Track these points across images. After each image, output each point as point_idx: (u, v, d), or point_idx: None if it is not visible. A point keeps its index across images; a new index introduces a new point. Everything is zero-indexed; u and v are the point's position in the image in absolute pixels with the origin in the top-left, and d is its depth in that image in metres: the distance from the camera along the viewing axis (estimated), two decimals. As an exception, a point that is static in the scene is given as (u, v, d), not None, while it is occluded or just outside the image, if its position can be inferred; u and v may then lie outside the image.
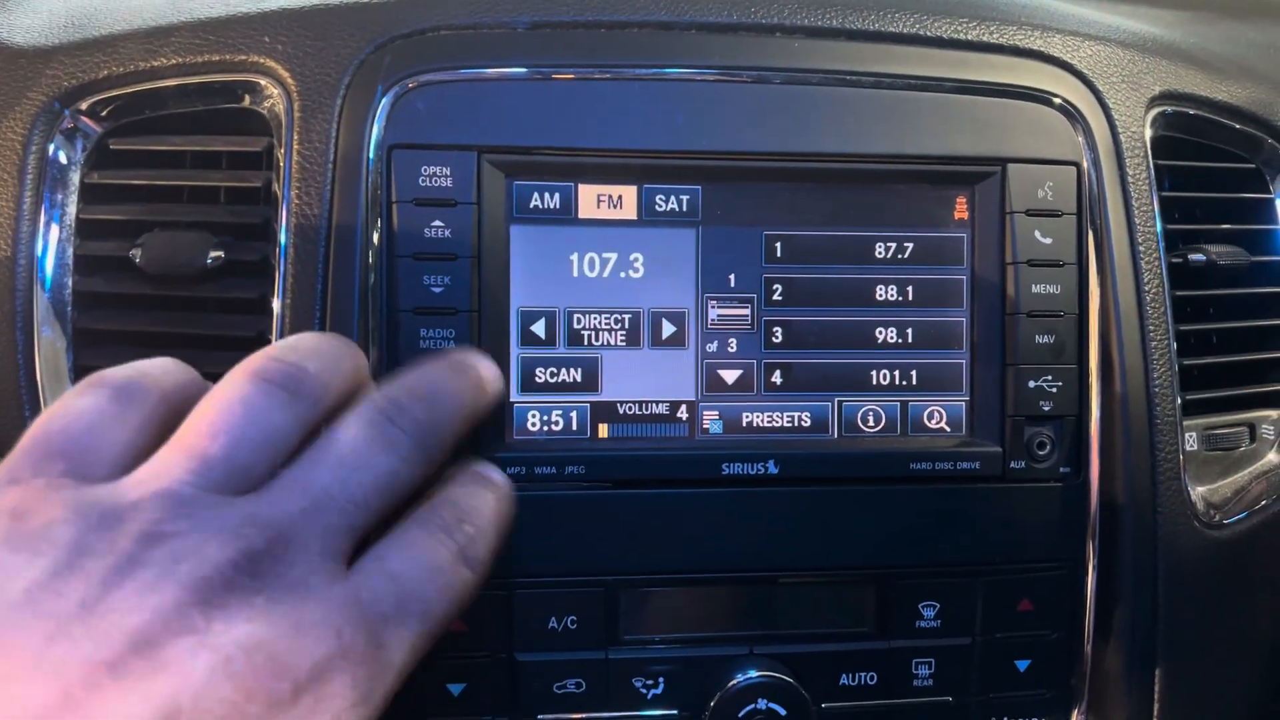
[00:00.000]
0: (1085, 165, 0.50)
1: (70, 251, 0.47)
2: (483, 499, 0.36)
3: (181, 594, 0.26)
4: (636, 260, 0.48)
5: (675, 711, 0.48)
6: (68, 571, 0.25)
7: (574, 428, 0.48)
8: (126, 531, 0.26)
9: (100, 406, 0.30)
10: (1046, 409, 0.49)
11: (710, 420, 0.49)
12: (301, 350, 0.33)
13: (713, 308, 0.48)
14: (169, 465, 0.29)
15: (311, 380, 0.32)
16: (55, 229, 0.47)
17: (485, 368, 0.40)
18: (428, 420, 0.34)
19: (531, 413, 0.47)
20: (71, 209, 0.48)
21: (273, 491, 0.29)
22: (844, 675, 0.49)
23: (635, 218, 0.48)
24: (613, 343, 0.48)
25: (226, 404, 0.30)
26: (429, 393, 0.35)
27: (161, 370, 0.33)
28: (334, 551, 0.29)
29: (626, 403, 0.48)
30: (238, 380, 0.31)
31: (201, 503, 0.28)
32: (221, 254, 0.46)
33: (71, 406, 0.30)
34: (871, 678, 0.49)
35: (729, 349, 0.48)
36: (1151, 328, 0.51)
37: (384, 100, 0.45)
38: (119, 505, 0.27)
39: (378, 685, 0.29)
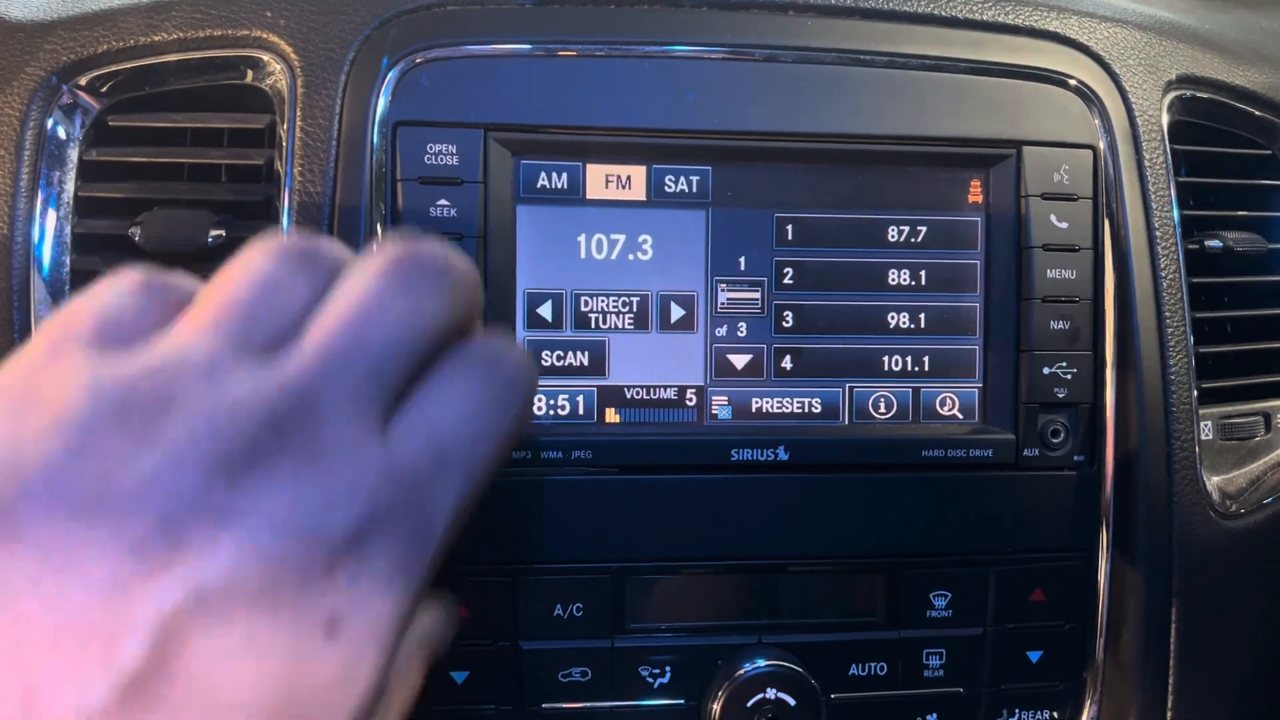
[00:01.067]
0: (1102, 149, 0.49)
1: (68, 230, 0.46)
2: (513, 350, 0.32)
3: (202, 470, 0.24)
4: (645, 242, 0.47)
5: (682, 701, 0.47)
6: (83, 450, 0.24)
7: (581, 412, 0.47)
8: (141, 406, 0.25)
9: (124, 291, 0.29)
10: (1061, 396, 0.48)
11: (719, 405, 0.48)
12: (314, 238, 0.31)
13: (722, 291, 0.47)
14: (184, 337, 0.27)
15: (327, 251, 0.30)
16: (53, 207, 0.46)
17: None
18: (445, 262, 0.31)
19: (538, 396, 0.46)
20: (70, 186, 0.47)
21: (290, 355, 0.27)
22: (854, 665, 0.48)
23: (644, 198, 0.47)
24: (620, 326, 0.47)
25: (241, 274, 0.28)
26: (441, 246, 0.32)
27: (172, 278, 0.31)
28: (363, 410, 0.27)
29: (634, 387, 0.47)
30: (250, 254, 0.29)
31: (220, 370, 0.26)
32: (222, 232, 0.45)
33: (100, 292, 0.28)
34: (881, 668, 0.48)
35: (739, 333, 0.48)
36: (1168, 314, 0.50)
37: (389, 76, 0.45)
38: (134, 377, 0.25)
39: (420, 552, 0.27)
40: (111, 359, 0.26)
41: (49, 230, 0.46)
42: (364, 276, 0.29)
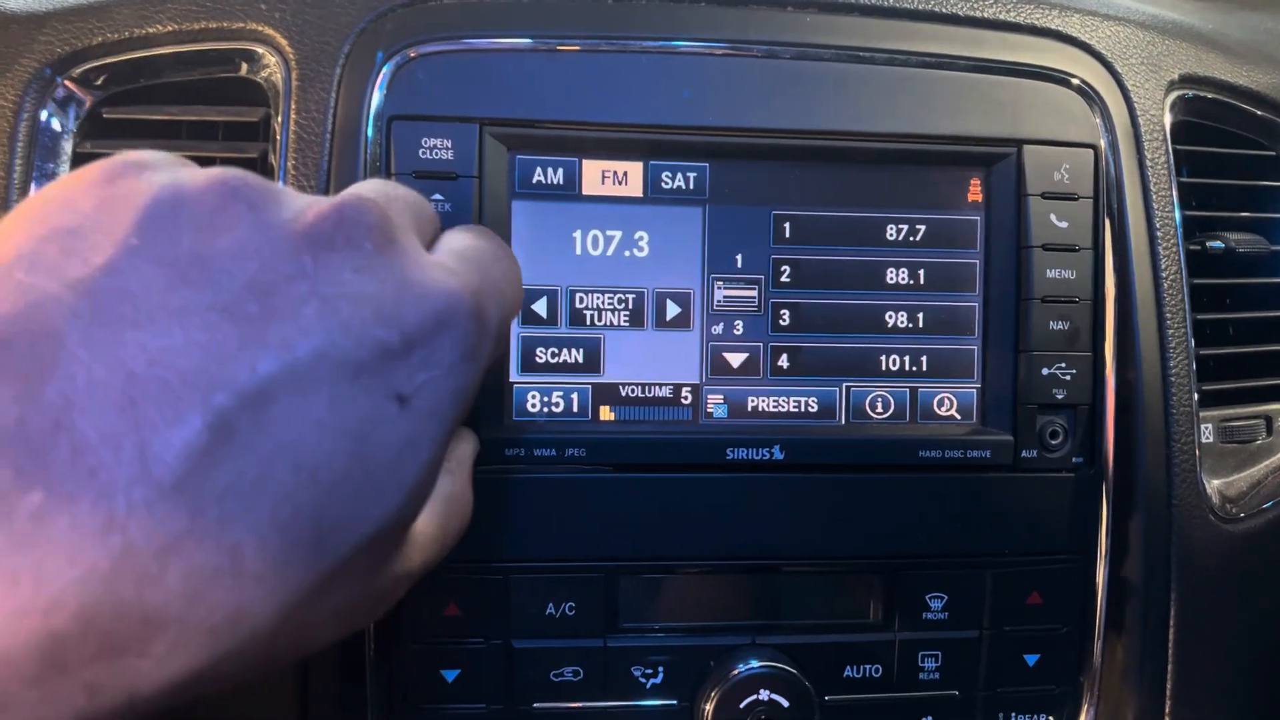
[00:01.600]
0: (1103, 148, 0.49)
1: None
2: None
3: (291, 240, 0.26)
4: (641, 239, 0.47)
5: (675, 701, 0.47)
6: (176, 217, 0.26)
7: (575, 409, 0.46)
8: (225, 184, 0.27)
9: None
10: (1060, 397, 0.48)
11: (715, 404, 0.47)
12: None
13: (719, 289, 0.47)
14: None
15: None
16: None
17: None
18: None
19: (531, 393, 0.46)
20: (63, 179, 0.46)
21: (344, 192, 0.31)
22: (848, 667, 0.48)
23: (640, 195, 0.47)
24: (616, 323, 0.46)
25: None
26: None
27: None
28: (416, 233, 0.31)
29: (629, 385, 0.47)
30: None
31: (292, 189, 0.31)
32: (216, 226, 0.45)
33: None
34: (876, 670, 0.48)
35: (735, 331, 0.47)
36: (1169, 316, 0.49)
37: (384, 70, 0.44)
38: (212, 169, 0.28)
39: (481, 347, 0.30)
40: (187, 163, 0.29)
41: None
42: (370, 180, 0.34)
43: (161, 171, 0.27)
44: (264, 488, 0.24)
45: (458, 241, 0.33)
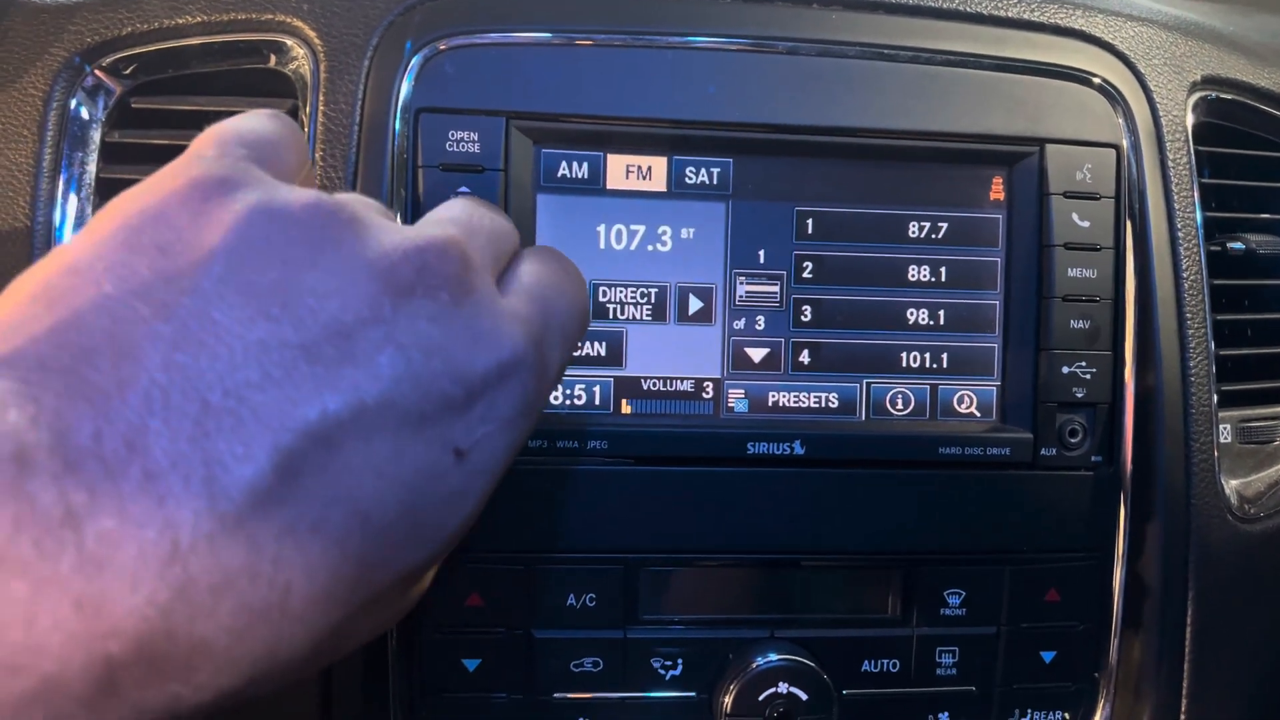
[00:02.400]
0: (1125, 148, 0.49)
1: (89, 211, 0.46)
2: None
3: (374, 282, 0.26)
4: (665, 233, 0.47)
5: (693, 693, 0.47)
6: (266, 247, 0.26)
7: (597, 402, 0.47)
8: (318, 214, 0.27)
9: (281, 128, 0.32)
10: (1080, 396, 0.48)
11: (736, 399, 0.48)
12: None
13: (741, 284, 0.47)
14: (343, 194, 0.30)
15: None
16: (74, 188, 0.46)
17: None
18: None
19: (554, 386, 0.46)
20: (91, 168, 0.47)
21: (428, 221, 0.31)
22: (866, 661, 0.48)
23: (664, 190, 0.47)
24: (638, 317, 0.47)
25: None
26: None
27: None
28: (491, 274, 0.31)
29: (651, 379, 0.47)
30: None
31: (383, 213, 0.30)
32: (243, 216, 0.45)
33: (254, 120, 0.31)
34: (894, 665, 0.48)
35: (756, 327, 0.47)
36: (1189, 316, 0.49)
37: (412, 62, 0.44)
38: (308, 194, 0.28)
39: (541, 395, 0.30)
40: (280, 183, 0.28)
41: (70, 213, 0.46)
42: (460, 200, 0.34)
43: (255, 191, 0.27)
44: (319, 531, 0.24)
45: (529, 274, 0.33)
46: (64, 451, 0.21)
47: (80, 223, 0.46)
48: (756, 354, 0.48)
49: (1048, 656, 0.49)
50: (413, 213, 0.44)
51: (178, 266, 0.24)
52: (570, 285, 0.34)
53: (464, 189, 0.44)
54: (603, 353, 0.46)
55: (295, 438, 0.23)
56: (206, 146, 0.29)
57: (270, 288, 0.25)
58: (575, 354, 0.46)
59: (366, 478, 0.25)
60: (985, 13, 0.50)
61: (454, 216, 0.32)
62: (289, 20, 0.46)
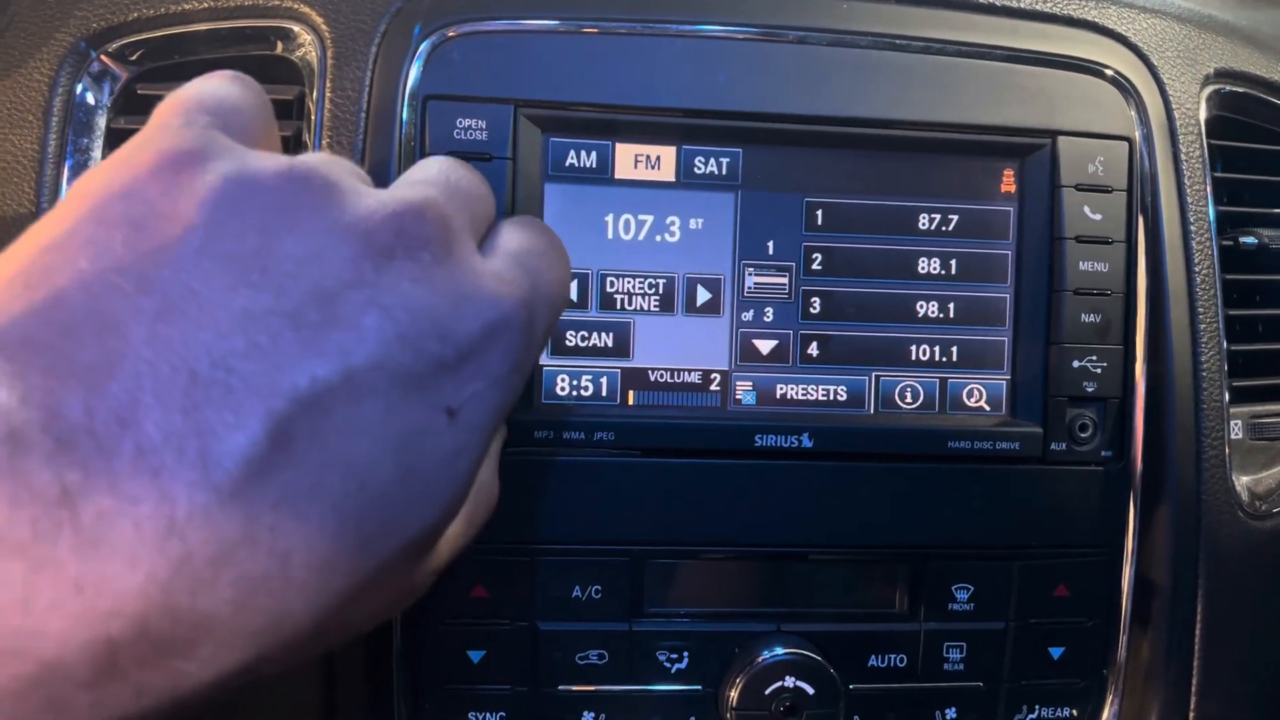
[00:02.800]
0: (1138, 141, 0.49)
1: (94, 197, 0.46)
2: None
3: (353, 245, 0.26)
4: (673, 224, 0.47)
5: (699, 687, 0.47)
6: (242, 213, 0.25)
7: (604, 393, 0.46)
8: (292, 180, 0.27)
9: (244, 91, 0.31)
10: (1090, 390, 0.47)
11: (743, 391, 0.47)
12: None
13: (749, 275, 0.47)
14: (313, 154, 0.30)
15: None
16: (80, 174, 0.46)
17: None
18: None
19: (561, 376, 0.46)
20: (97, 155, 0.47)
21: (404, 183, 0.31)
22: (873, 656, 0.48)
23: (673, 180, 0.46)
24: (646, 308, 0.46)
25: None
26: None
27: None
28: (471, 235, 0.31)
29: (658, 370, 0.47)
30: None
31: (360, 177, 0.30)
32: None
33: (216, 84, 0.31)
34: (901, 660, 0.48)
35: (765, 318, 0.47)
36: (1201, 311, 0.49)
37: (421, 49, 0.44)
38: (279, 159, 0.27)
39: (527, 358, 0.30)
40: (249, 150, 0.28)
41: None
42: (439, 159, 0.33)
43: (226, 160, 0.27)
44: (315, 496, 0.24)
45: (512, 240, 0.33)
46: (56, 429, 0.20)
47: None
48: (765, 346, 0.47)
49: (1056, 653, 0.49)
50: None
51: (153, 240, 0.24)
52: (553, 252, 0.34)
53: None
54: (610, 344, 0.46)
55: (286, 404, 0.23)
56: (171, 115, 0.29)
57: (249, 255, 0.25)
58: (582, 344, 0.46)
59: (360, 440, 0.25)
60: (998, 3, 0.49)
61: (430, 178, 0.31)
62: (296, 6, 0.46)
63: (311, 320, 0.24)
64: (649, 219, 0.46)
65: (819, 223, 0.47)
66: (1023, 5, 0.50)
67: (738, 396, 0.47)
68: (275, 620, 0.23)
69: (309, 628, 0.24)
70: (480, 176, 0.34)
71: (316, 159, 0.29)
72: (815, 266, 0.47)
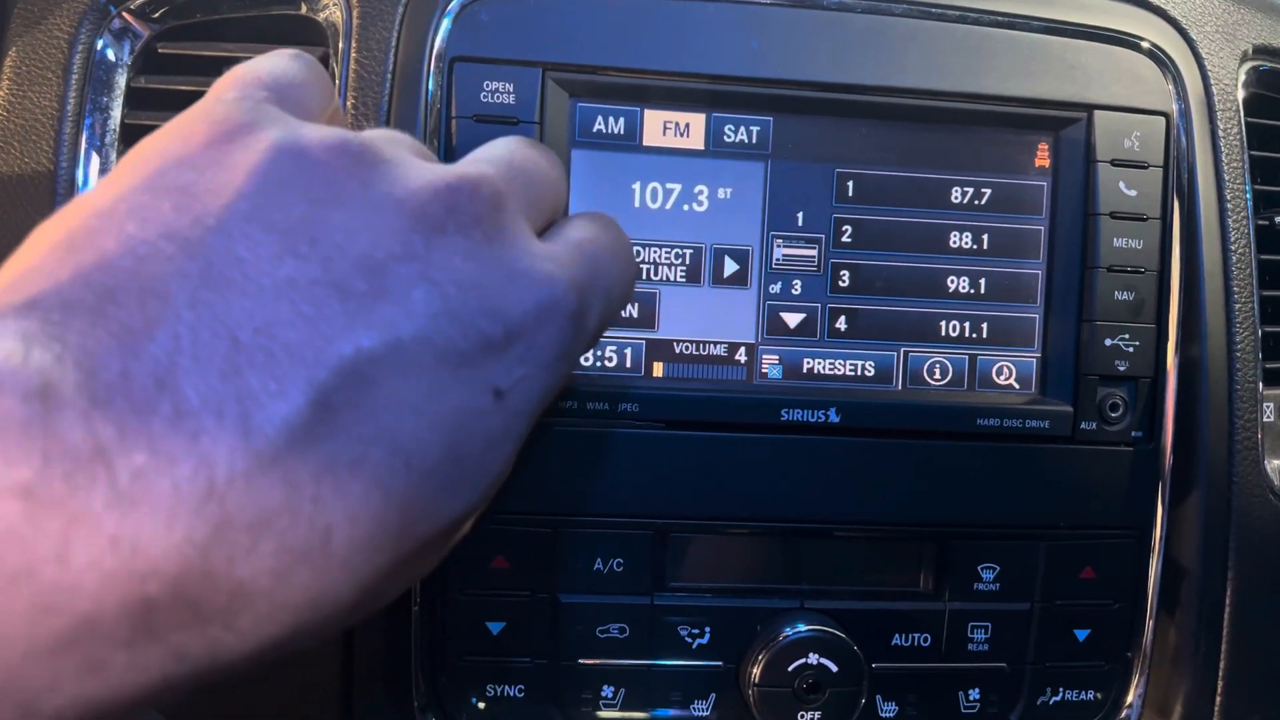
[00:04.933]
0: (1175, 116, 0.48)
1: (114, 157, 0.45)
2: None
3: (404, 218, 0.26)
4: (701, 193, 0.46)
5: (720, 663, 0.46)
6: (291, 183, 0.25)
7: (628, 365, 0.46)
8: (344, 154, 0.26)
9: (304, 69, 0.31)
10: (1122, 369, 0.47)
11: (770, 364, 0.47)
12: None
13: (778, 247, 0.46)
14: (371, 130, 0.29)
15: None
16: (99, 133, 0.45)
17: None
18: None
19: (585, 346, 0.45)
20: (116, 114, 0.46)
21: (465, 160, 0.30)
22: (897, 635, 0.47)
23: (702, 148, 0.46)
24: (672, 278, 0.46)
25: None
26: None
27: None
28: (529, 218, 0.30)
29: (684, 342, 0.46)
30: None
31: (415, 149, 0.29)
32: (271, 165, 0.44)
33: (275, 61, 0.31)
34: (925, 639, 0.47)
35: (793, 291, 0.46)
36: (1236, 291, 0.48)
37: (449, 9, 0.43)
38: (333, 132, 0.27)
39: (578, 346, 0.29)
40: (304, 123, 0.27)
41: (94, 158, 0.45)
42: (512, 139, 0.33)
43: (279, 129, 0.26)
44: (359, 471, 0.23)
45: (577, 231, 0.32)
46: (91, 388, 0.20)
47: (105, 168, 0.45)
48: (792, 319, 0.46)
49: (1081, 635, 0.48)
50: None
51: (202, 206, 0.24)
52: (620, 250, 0.33)
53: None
54: (635, 314, 0.45)
55: (330, 374, 0.23)
56: (227, 89, 0.29)
57: (297, 225, 0.24)
58: (607, 315, 0.45)
59: (405, 416, 0.24)
60: (1035, -26, 0.48)
61: (494, 156, 0.31)
62: (321, -35, 0.45)
63: (358, 291, 0.24)
64: (676, 188, 0.46)
65: (850, 194, 0.46)
66: (1060, -24, 0.49)
67: (764, 370, 0.46)
68: (315, 595, 0.23)
69: (349, 603, 0.24)
70: (553, 161, 0.33)
71: (373, 134, 0.28)
72: (845, 239, 0.46)
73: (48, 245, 0.23)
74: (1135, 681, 0.49)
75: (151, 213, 0.24)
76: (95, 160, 0.45)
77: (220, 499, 0.21)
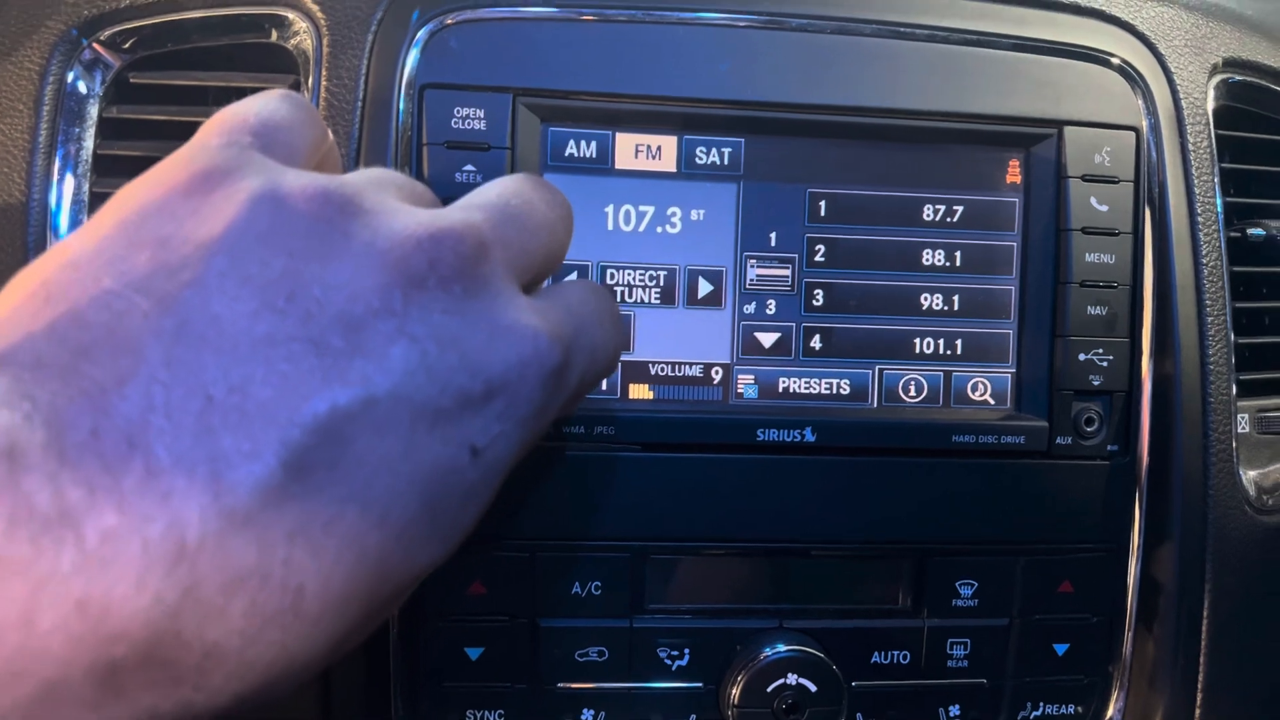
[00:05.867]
0: (1145, 131, 0.48)
1: (86, 189, 0.45)
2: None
3: (384, 272, 0.25)
4: (674, 215, 0.46)
5: (700, 684, 0.46)
6: (270, 236, 0.25)
7: (604, 387, 0.46)
8: (326, 203, 0.26)
9: (293, 110, 0.30)
10: (1096, 383, 0.47)
11: (745, 384, 0.47)
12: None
13: (752, 267, 0.46)
14: (351, 175, 0.29)
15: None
16: (71, 165, 0.45)
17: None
18: (563, 201, 0.34)
19: (560, 370, 0.45)
20: (89, 144, 0.46)
21: (456, 206, 0.30)
22: (876, 653, 0.47)
23: (674, 170, 0.46)
24: (646, 300, 0.46)
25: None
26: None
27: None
28: (517, 270, 0.29)
29: (659, 363, 0.46)
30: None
31: (399, 194, 0.29)
32: (243, 194, 0.44)
33: (263, 103, 0.30)
34: (905, 656, 0.47)
35: (767, 311, 0.47)
36: (1209, 303, 0.48)
37: (418, 37, 0.43)
38: (315, 181, 0.27)
39: (556, 400, 0.29)
40: (287, 170, 0.27)
41: (67, 190, 0.45)
42: (514, 179, 0.32)
43: (260, 178, 0.26)
44: (332, 531, 0.23)
45: (570, 293, 0.32)
46: (59, 448, 0.20)
47: (77, 200, 0.45)
48: (767, 339, 0.47)
49: (1061, 649, 0.48)
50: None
51: (179, 259, 0.24)
52: (610, 317, 0.33)
53: (469, 167, 0.43)
54: (610, 336, 0.45)
55: (303, 433, 0.23)
56: (212, 135, 0.28)
57: (275, 279, 0.24)
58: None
59: (381, 474, 0.24)
60: (1003, -9, 0.49)
61: (486, 201, 0.30)
62: (291, -7, 0.45)
63: (336, 348, 0.24)
64: (650, 210, 0.46)
65: (822, 214, 0.46)
66: (1029, -7, 0.49)
67: (739, 390, 0.47)
68: (288, 653, 0.23)
69: (320, 658, 0.24)
70: (555, 203, 0.32)
71: (358, 179, 0.28)
72: (818, 258, 0.47)
73: (23, 296, 0.23)
74: (1115, 695, 0.49)
75: (128, 265, 0.23)
76: (69, 191, 0.45)
77: (191, 560, 0.21)
